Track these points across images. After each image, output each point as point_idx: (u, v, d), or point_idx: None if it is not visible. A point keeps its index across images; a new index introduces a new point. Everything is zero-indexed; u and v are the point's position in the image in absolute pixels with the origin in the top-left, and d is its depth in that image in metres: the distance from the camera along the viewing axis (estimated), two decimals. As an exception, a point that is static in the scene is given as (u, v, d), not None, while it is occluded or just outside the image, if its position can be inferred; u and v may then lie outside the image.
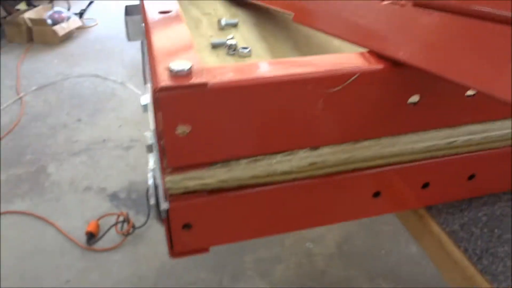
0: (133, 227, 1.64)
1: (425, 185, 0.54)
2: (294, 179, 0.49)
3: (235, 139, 0.43)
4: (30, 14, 3.37)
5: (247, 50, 0.62)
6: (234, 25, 0.75)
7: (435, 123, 0.49)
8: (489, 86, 0.32)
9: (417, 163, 0.52)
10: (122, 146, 2.12)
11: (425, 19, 0.38)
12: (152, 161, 0.53)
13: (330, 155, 0.47)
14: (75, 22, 3.50)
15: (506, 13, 0.31)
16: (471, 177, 0.55)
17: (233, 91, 0.40)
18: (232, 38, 0.65)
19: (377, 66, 0.42)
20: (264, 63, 0.44)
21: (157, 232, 1.63)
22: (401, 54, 0.39)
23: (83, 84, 2.72)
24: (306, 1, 0.58)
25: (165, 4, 0.59)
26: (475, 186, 0.56)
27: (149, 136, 0.51)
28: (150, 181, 0.49)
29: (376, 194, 0.53)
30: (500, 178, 0.57)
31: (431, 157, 0.52)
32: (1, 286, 1.44)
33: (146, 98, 0.56)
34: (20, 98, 2.55)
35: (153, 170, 0.51)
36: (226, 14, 0.82)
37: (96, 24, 3.67)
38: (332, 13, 0.53)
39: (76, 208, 1.77)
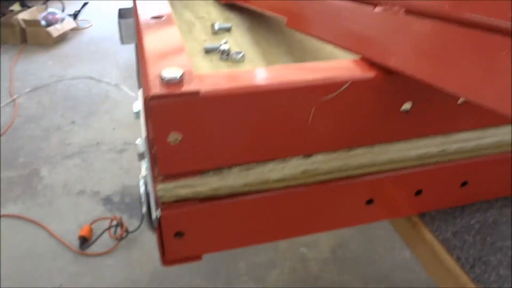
0: (127, 231, 1.63)
1: (418, 192, 0.54)
2: (287, 187, 0.49)
3: (227, 147, 0.43)
4: (24, 15, 3.35)
5: (241, 55, 0.62)
6: (228, 30, 0.74)
7: (428, 131, 0.49)
8: (480, 96, 0.32)
9: (410, 170, 0.51)
10: (115, 149, 2.11)
11: (417, 27, 0.38)
12: (144, 168, 0.53)
13: (323, 163, 0.47)
14: (69, 24, 3.48)
15: (498, 21, 0.31)
16: (463, 184, 0.55)
17: (225, 99, 0.40)
18: (225, 43, 0.65)
19: (370, 74, 0.42)
20: (257, 70, 0.44)
21: (150, 237, 1.62)
22: (393, 62, 0.39)
23: (77, 86, 2.71)
24: (299, 6, 0.57)
25: (158, 8, 0.59)
26: (467, 193, 0.56)
27: (141, 143, 0.51)
28: (142, 189, 0.49)
29: (369, 202, 0.53)
30: (492, 185, 0.57)
31: (424, 165, 0.52)
32: (-7, 290, 1.43)
33: (138, 105, 0.55)
34: (14, 100, 2.54)
35: (145, 177, 0.51)
36: (219, 18, 0.82)
37: (91, 26, 3.65)
38: (325, 19, 0.52)
39: (69, 212, 1.75)
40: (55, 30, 3.29)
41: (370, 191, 0.52)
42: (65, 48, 3.26)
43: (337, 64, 0.44)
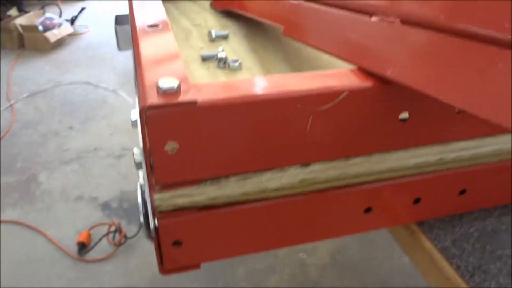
0: (125, 237, 1.63)
1: (417, 201, 0.54)
2: (285, 196, 0.48)
3: (225, 157, 0.43)
4: (21, 21, 3.36)
5: (238, 63, 0.62)
6: (225, 37, 0.74)
7: (426, 140, 0.49)
8: (477, 107, 0.31)
9: (408, 178, 0.51)
10: (113, 155, 2.11)
11: (413, 37, 0.38)
12: (141, 176, 0.53)
13: (321, 172, 0.47)
14: (66, 29, 3.49)
15: (494, 33, 0.31)
16: (462, 192, 0.55)
17: (222, 109, 0.40)
18: (222, 51, 0.65)
19: (367, 83, 0.42)
20: (253, 80, 0.44)
21: (149, 243, 1.61)
22: (390, 72, 0.39)
23: (75, 92, 2.71)
24: (296, 16, 0.57)
25: (154, 16, 0.59)
26: (466, 201, 0.56)
27: (138, 152, 0.51)
28: (139, 198, 0.49)
29: (368, 210, 0.53)
30: (491, 193, 0.57)
31: (422, 173, 0.51)
32: (-10, 297, 1.42)
33: (136, 114, 0.55)
34: (11, 105, 2.54)
35: (142, 186, 0.50)
36: (216, 25, 0.82)
37: (88, 31, 3.66)
38: (322, 29, 0.52)
39: (67, 218, 1.75)
40: (53, 35, 3.29)
41: (368, 200, 0.52)
42: (63, 53, 3.26)
43: (334, 74, 0.44)
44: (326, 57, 0.65)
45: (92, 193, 1.87)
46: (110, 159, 2.08)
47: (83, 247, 1.59)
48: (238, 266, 1.53)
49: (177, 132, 0.39)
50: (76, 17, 3.74)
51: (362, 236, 1.65)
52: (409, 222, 0.56)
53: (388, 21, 0.40)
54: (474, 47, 0.32)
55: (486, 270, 0.50)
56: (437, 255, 0.52)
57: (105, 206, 1.80)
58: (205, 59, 0.65)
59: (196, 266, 0.52)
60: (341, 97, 0.41)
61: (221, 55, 0.63)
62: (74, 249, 1.59)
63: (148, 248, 1.61)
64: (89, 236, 1.64)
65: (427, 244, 0.54)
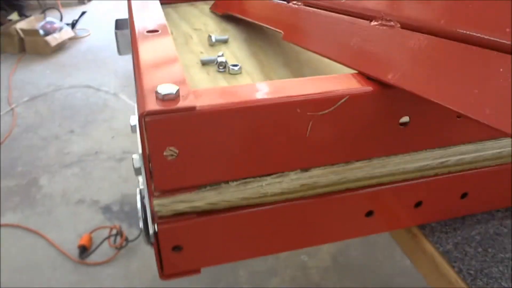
0: (126, 240, 1.63)
1: (418, 204, 0.53)
2: (285, 200, 0.48)
3: (224, 162, 0.43)
4: (22, 25, 3.36)
5: (237, 67, 0.62)
6: (225, 41, 0.74)
7: (426, 144, 0.48)
8: (477, 112, 0.31)
9: (409, 182, 0.51)
10: (114, 158, 2.11)
11: (414, 41, 0.38)
12: (141, 181, 0.52)
13: (321, 176, 0.47)
14: (67, 33, 3.49)
15: (494, 38, 0.30)
16: (463, 195, 0.54)
17: (221, 115, 0.39)
18: (222, 56, 0.65)
19: (367, 88, 0.42)
20: (253, 85, 0.43)
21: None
22: (390, 76, 0.39)
23: (75, 95, 2.71)
24: (296, 20, 0.57)
25: (153, 21, 0.58)
26: (468, 204, 0.55)
27: (137, 158, 0.50)
28: (139, 204, 0.49)
29: (369, 214, 0.53)
30: (492, 196, 0.57)
31: (423, 177, 0.51)
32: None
33: (135, 119, 0.55)
34: (12, 109, 2.54)
35: (141, 191, 0.50)
36: (216, 30, 0.82)
37: (89, 35, 3.67)
38: (321, 33, 0.52)
39: (68, 221, 1.75)
40: (53, 39, 3.30)
41: (370, 203, 0.52)
42: (63, 57, 3.27)
43: (334, 78, 0.43)
44: (326, 61, 0.65)
45: (93, 196, 1.87)
46: (111, 162, 2.08)
47: (84, 250, 1.59)
48: (240, 268, 1.53)
49: (176, 138, 0.39)
50: (76, 21, 3.75)
51: (363, 238, 1.64)
52: (411, 225, 0.56)
53: (388, 25, 0.40)
54: (475, 52, 0.32)
55: (488, 274, 0.49)
56: (439, 258, 0.52)
57: (106, 209, 1.80)
58: (205, 63, 0.65)
59: (197, 271, 0.52)
60: (341, 101, 0.41)
61: (221, 59, 0.63)
62: (75, 252, 1.59)
63: (149, 251, 1.60)
64: (90, 239, 1.64)
65: (429, 247, 0.53)
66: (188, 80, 0.43)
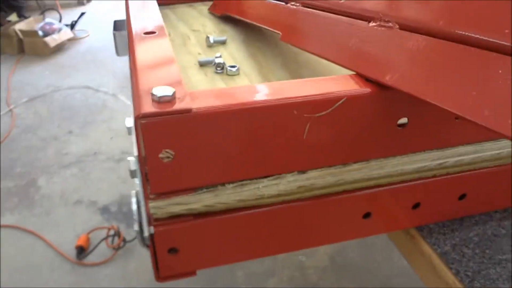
0: (124, 241, 1.62)
1: (416, 206, 0.53)
2: (282, 202, 0.48)
3: (221, 164, 0.43)
4: (21, 26, 3.36)
5: (235, 68, 0.62)
6: (223, 42, 0.74)
7: (425, 145, 0.48)
8: (475, 114, 0.31)
9: (407, 183, 0.51)
10: (113, 159, 2.10)
11: (412, 42, 0.37)
12: (137, 183, 0.52)
13: (318, 178, 0.46)
14: (66, 34, 3.49)
15: (493, 39, 0.30)
16: (462, 196, 0.54)
17: (217, 117, 0.39)
18: (220, 57, 0.64)
19: (365, 89, 0.41)
20: (250, 87, 0.43)
21: (148, 247, 1.61)
22: (388, 78, 0.39)
23: (74, 96, 2.71)
24: (294, 21, 0.57)
25: (151, 22, 0.58)
26: (466, 205, 0.55)
27: (133, 161, 0.50)
28: (134, 207, 0.48)
29: (367, 215, 0.52)
30: (490, 197, 0.57)
31: (421, 178, 0.51)
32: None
33: (131, 121, 0.55)
34: (11, 110, 2.53)
35: (136, 193, 0.50)
36: (214, 31, 0.81)
37: (88, 36, 3.66)
38: (320, 34, 0.52)
39: (66, 222, 1.74)
40: (52, 40, 3.29)
41: (367, 205, 0.52)
42: (62, 58, 3.26)
43: (332, 79, 0.43)
44: (324, 62, 0.65)
45: (92, 197, 1.87)
46: (110, 163, 2.08)
47: (81, 251, 1.58)
48: (237, 268, 1.53)
49: (172, 140, 0.39)
50: (75, 22, 3.74)
51: (361, 239, 1.64)
52: (409, 227, 0.56)
53: (386, 26, 0.40)
54: (474, 53, 0.31)
55: (485, 275, 0.49)
56: (436, 260, 0.52)
57: (104, 210, 1.80)
58: (202, 64, 0.65)
59: (192, 273, 0.52)
60: (339, 103, 0.40)
61: (218, 60, 0.63)
62: (73, 253, 1.59)
63: (146, 252, 1.59)
64: (87, 240, 1.64)
65: (427, 249, 0.53)
66: (185, 81, 0.43)
